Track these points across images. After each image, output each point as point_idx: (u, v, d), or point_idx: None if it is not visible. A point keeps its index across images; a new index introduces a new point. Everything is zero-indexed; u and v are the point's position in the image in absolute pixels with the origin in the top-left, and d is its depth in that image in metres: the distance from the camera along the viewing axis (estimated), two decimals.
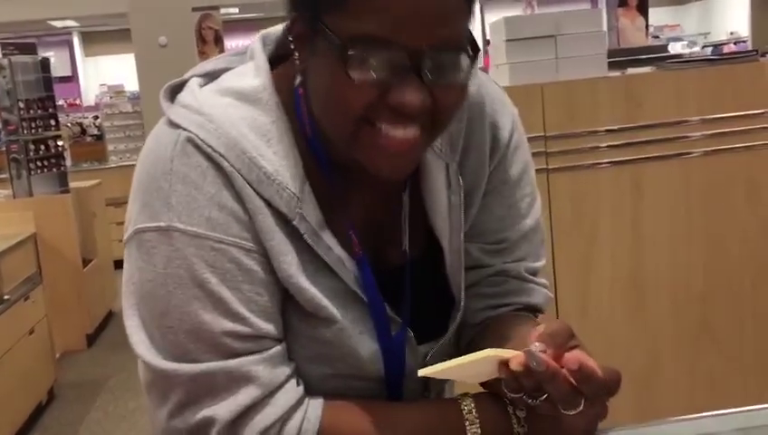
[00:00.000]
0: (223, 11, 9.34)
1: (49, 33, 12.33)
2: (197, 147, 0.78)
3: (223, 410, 0.79)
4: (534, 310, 0.97)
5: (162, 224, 0.78)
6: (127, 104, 7.52)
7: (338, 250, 0.84)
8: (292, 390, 0.83)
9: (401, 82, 0.72)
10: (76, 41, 13.32)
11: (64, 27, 12.25)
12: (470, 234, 0.94)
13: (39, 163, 4.88)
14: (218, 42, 8.65)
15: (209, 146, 0.78)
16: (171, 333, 0.79)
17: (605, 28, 2.49)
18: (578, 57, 2.24)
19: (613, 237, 2.32)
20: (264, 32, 0.90)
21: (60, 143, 5.13)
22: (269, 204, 0.79)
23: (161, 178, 0.78)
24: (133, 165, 0.87)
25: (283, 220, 0.81)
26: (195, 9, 7.64)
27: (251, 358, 0.80)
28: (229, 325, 0.78)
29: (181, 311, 0.78)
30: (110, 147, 7.44)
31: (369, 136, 0.75)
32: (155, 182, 0.79)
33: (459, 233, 0.91)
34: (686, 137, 2.31)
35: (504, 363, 0.72)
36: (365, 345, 0.87)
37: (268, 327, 0.81)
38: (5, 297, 3.53)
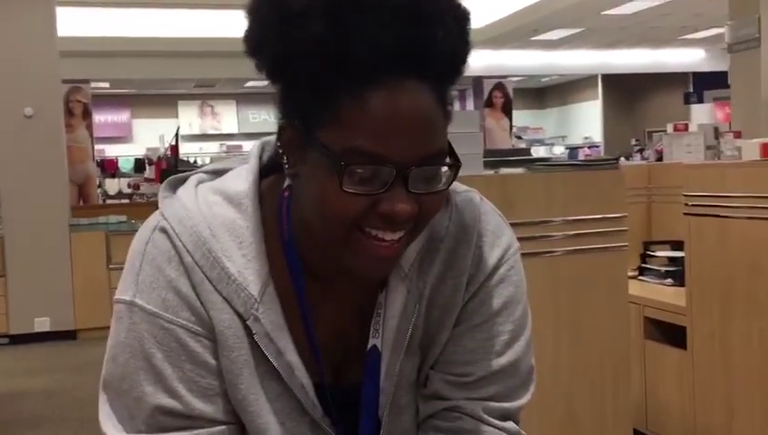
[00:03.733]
0: (93, 84, 9.15)
1: None
2: (169, 236, 0.86)
3: None
4: None
5: (127, 298, 0.87)
6: None
7: (291, 356, 0.87)
8: None
9: (390, 193, 0.77)
10: None
11: None
12: (437, 362, 0.93)
13: None
14: (86, 115, 8.44)
15: (180, 240, 0.86)
16: (125, 396, 0.86)
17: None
18: None
19: None
20: (265, 139, 0.95)
21: None
22: (228, 301, 0.85)
23: (136, 257, 0.88)
24: None
25: (241, 319, 0.85)
26: (65, 81, 7.45)
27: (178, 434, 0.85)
28: (165, 400, 0.85)
29: (132, 379, 0.86)
30: None
31: (358, 241, 0.80)
32: (132, 259, 0.88)
33: (397, 358, 0.90)
34: (551, 236, 2.43)
35: None
36: None
37: (205, 408, 0.85)
38: None
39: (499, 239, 0.95)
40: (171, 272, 0.85)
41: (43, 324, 6.75)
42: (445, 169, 0.81)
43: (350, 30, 0.74)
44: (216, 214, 0.87)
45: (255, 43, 0.81)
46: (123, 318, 0.86)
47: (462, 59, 0.81)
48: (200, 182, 0.92)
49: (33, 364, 6.12)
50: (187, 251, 0.85)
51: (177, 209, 0.88)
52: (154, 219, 0.89)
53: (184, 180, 0.93)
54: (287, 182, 0.88)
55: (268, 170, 0.92)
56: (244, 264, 0.85)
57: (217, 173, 0.94)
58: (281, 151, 0.84)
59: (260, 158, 0.93)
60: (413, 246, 0.88)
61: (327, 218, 0.80)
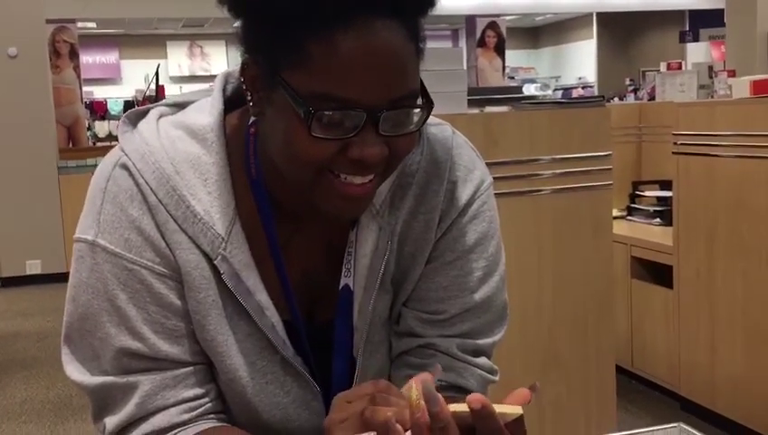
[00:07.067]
0: (80, 24, 8.99)
1: None
2: (131, 174, 0.83)
3: (111, 423, 0.84)
4: (466, 392, 0.90)
5: (89, 237, 0.83)
6: None
7: (261, 296, 0.85)
8: (173, 415, 0.84)
9: (360, 137, 0.74)
10: None
11: None
12: (410, 299, 0.92)
13: None
14: (73, 56, 8.33)
15: (142, 176, 0.82)
16: (88, 336, 0.84)
17: (465, 67, 2.57)
18: (439, 93, 2.30)
19: None
20: (229, 69, 0.91)
21: None
22: (194, 241, 0.82)
23: (96, 195, 0.84)
24: None
25: (208, 258, 0.83)
26: (49, 21, 7.31)
27: (143, 377, 0.84)
28: (129, 342, 0.83)
29: (95, 320, 0.83)
30: None
31: (328, 183, 0.77)
32: (92, 196, 0.85)
33: (370, 297, 0.89)
34: (538, 175, 2.41)
35: None
36: (265, 398, 0.88)
37: (170, 350, 0.84)
38: None
39: (472, 174, 0.92)
40: (134, 211, 0.82)
41: (34, 267, 6.76)
42: (417, 109, 0.78)
43: None
44: (180, 149, 0.83)
45: None
46: (85, 258, 0.83)
47: None
48: (161, 115, 0.88)
49: (25, 306, 6.15)
50: (151, 189, 0.82)
51: (139, 145, 0.84)
52: (114, 155, 0.85)
53: (144, 113, 0.89)
54: (253, 118, 0.85)
55: (233, 104, 0.88)
56: (209, 202, 0.82)
57: (179, 106, 0.90)
58: (244, 88, 0.81)
59: (223, 90, 0.89)
60: (384, 182, 0.86)
61: (295, 162, 0.77)
